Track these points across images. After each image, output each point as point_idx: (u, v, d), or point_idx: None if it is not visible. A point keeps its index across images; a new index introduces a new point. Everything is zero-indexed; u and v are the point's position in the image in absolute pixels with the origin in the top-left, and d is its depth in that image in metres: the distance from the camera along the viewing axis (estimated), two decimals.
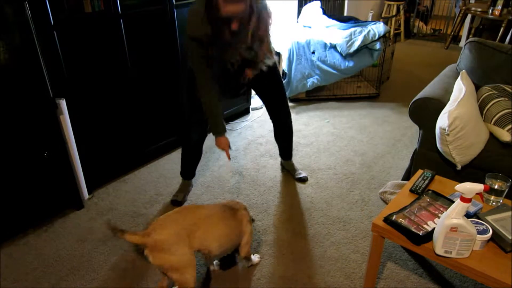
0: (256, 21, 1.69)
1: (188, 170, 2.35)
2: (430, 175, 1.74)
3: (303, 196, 2.34)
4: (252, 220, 1.82)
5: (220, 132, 1.96)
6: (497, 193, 1.55)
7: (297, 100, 3.69)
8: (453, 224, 1.25)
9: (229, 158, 2.00)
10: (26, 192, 1.98)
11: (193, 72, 1.88)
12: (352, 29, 3.39)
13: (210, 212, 1.58)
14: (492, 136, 1.98)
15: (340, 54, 3.33)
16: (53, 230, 2.09)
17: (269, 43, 1.88)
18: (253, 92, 3.50)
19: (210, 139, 2.54)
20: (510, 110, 1.93)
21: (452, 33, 5.51)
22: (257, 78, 2.01)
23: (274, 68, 2.10)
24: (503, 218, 1.40)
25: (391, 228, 1.44)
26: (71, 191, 2.18)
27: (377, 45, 3.35)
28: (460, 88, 1.96)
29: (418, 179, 1.72)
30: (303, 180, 2.49)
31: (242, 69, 1.92)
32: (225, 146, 1.99)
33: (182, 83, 2.69)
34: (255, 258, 1.85)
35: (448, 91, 2.09)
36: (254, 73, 1.96)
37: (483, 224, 1.36)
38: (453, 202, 1.46)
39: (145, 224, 2.13)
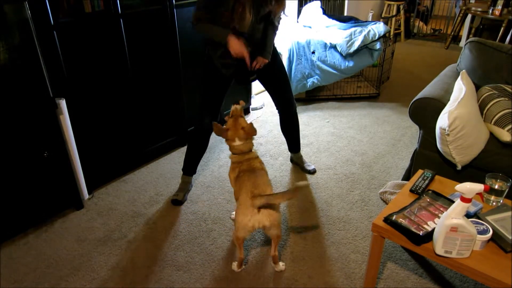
0: None
1: (191, 163, 2.35)
2: (430, 175, 1.74)
3: (303, 196, 2.34)
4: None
5: (226, 33, 1.84)
6: (497, 193, 1.55)
7: (297, 100, 3.69)
8: (453, 224, 1.25)
9: (248, 65, 1.93)
10: (26, 192, 1.98)
11: (208, 52, 1.99)
12: (352, 29, 3.39)
13: (262, 172, 1.82)
14: (492, 136, 1.97)
15: (340, 54, 3.33)
16: (53, 230, 2.09)
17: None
18: (253, 92, 3.52)
19: (212, 138, 2.55)
20: (510, 110, 1.93)
21: (452, 33, 5.51)
22: (263, 67, 2.10)
23: (277, 56, 2.22)
24: (503, 218, 1.40)
25: (391, 228, 1.44)
26: (71, 191, 2.18)
27: (377, 45, 3.35)
28: (460, 88, 1.96)
29: (418, 179, 1.72)
30: (312, 172, 2.56)
31: (254, 56, 2.02)
32: (242, 48, 1.85)
33: (183, 75, 2.70)
34: None
35: (448, 91, 2.09)
36: (264, 61, 2.06)
37: (483, 224, 1.36)
38: (453, 202, 1.46)
39: (145, 224, 2.13)
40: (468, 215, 1.38)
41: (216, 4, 1.84)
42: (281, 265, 1.82)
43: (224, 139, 1.90)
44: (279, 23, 2.10)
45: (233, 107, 1.91)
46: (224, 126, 1.88)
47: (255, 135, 1.88)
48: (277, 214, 1.66)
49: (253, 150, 1.91)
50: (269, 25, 2.05)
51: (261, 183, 1.72)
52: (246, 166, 1.83)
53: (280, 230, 1.71)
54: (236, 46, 1.84)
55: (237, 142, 1.84)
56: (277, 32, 2.13)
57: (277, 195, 1.62)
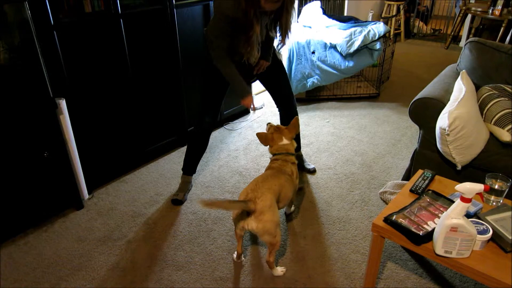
0: (284, 14, 1.90)
1: (191, 163, 2.35)
2: (430, 175, 1.74)
3: (303, 196, 2.34)
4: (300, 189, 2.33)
5: (247, 93, 2.05)
6: (497, 193, 1.55)
7: (297, 100, 3.67)
8: (453, 224, 1.25)
9: (254, 109, 2.17)
10: (26, 192, 1.98)
11: (211, 53, 1.99)
12: (352, 29, 3.39)
13: (281, 181, 1.80)
14: (492, 136, 1.97)
15: (340, 54, 3.33)
16: (53, 230, 2.09)
17: (288, 28, 1.99)
18: (253, 92, 3.51)
19: (212, 138, 2.56)
20: (510, 110, 1.93)
21: (452, 33, 5.51)
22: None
23: (278, 58, 2.24)
24: (503, 218, 1.40)
25: (391, 228, 1.44)
26: (71, 191, 2.18)
27: (377, 45, 3.34)
28: (460, 88, 1.96)
29: (418, 179, 1.72)
30: (312, 171, 2.56)
31: (258, 61, 2.07)
32: (249, 102, 2.09)
33: (181, 73, 2.70)
34: (292, 208, 2.21)
35: (448, 91, 2.09)
36: (267, 64, 2.13)
37: (483, 224, 1.36)
38: (453, 202, 1.46)
39: (145, 224, 2.13)
40: (468, 215, 1.38)
41: (231, 42, 1.90)
42: (279, 270, 1.79)
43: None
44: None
45: (268, 125, 2.06)
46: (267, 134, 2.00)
47: (299, 131, 2.03)
48: (269, 222, 1.61)
49: (294, 156, 1.99)
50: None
51: (264, 187, 1.68)
52: (277, 165, 1.90)
53: (274, 238, 1.65)
54: (249, 102, 2.07)
55: (284, 141, 1.97)
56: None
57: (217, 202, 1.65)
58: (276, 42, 2.13)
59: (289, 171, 1.89)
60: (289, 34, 1.99)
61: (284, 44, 2.04)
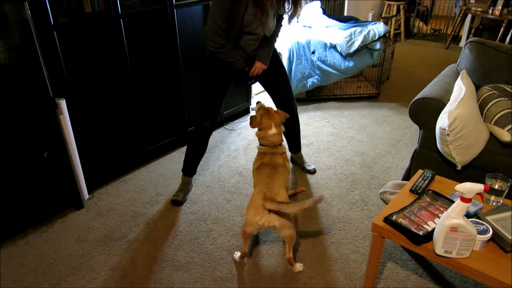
0: None
1: (191, 164, 2.35)
2: (430, 175, 1.74)
3: (303, 196, 2.34)
4: None
5: (244, 63, 2.03)
6: (497, 193, 1.55)
7: (297, 100, 3.66)
8: (453, 224, 1.25)
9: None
10: (26, 192, 1.98)
11: (211, 57, 2.00)
12: (352, 29, 3.39)
13: (282, 175, 1.82)
14: (492, 136, 1.97)
15: (340, 54, 3.33)
16: (53, 230, 2.09)
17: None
18: (253, 92, 3.51)
19: (212, 139, 2.56)
20: (510, 110, 1.93)
21: (452, 33, 5.51)
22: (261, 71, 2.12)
23: (277, 57, 2.23)
24: (503, 218, 1.40)
25: (391, 228, 1.44)
26: (71, 191, 2.18)
27: (377, 45, 3.35)
28: (460, 88, 1.96)
29: (418, 179, 1.72)
30: (312, 172, 2.56)
31: (253, 62, 2.06)
32: (258, 67, 2.07)
33: (183, 74, 2.70)
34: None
35: (448, 91, 2.09)
36: (263, 68, 2.09)
37: (483, 224, 1.36)
38: (453, 202, 1.46)
39: (145, 224, 2.13)
40: (468, 215, 1.38)
41: (230, 17, 1.86)
42: (299, 266, 1.82)
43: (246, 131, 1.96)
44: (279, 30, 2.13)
45: (258, 105, 1.99)
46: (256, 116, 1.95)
47: (288, 117, 1.96)
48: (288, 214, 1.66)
49: (282, 145, 1.96)
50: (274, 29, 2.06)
51: (276, 185, 1.72)
52: (268, 160, 1.87)
53: (293, 230, 1.70)
54: (257, 67, 2.06)
55: (273, 130, 1.90)
56: (277, 39, 2.14)
57: (289, 205, 1.62)
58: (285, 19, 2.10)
59: (282, 163, 1.89)
60: (301, 3, 1.95)
61: (298, 15, 1.99)
